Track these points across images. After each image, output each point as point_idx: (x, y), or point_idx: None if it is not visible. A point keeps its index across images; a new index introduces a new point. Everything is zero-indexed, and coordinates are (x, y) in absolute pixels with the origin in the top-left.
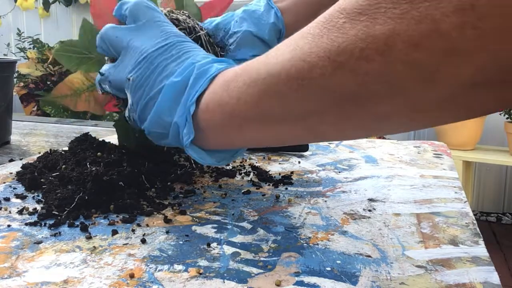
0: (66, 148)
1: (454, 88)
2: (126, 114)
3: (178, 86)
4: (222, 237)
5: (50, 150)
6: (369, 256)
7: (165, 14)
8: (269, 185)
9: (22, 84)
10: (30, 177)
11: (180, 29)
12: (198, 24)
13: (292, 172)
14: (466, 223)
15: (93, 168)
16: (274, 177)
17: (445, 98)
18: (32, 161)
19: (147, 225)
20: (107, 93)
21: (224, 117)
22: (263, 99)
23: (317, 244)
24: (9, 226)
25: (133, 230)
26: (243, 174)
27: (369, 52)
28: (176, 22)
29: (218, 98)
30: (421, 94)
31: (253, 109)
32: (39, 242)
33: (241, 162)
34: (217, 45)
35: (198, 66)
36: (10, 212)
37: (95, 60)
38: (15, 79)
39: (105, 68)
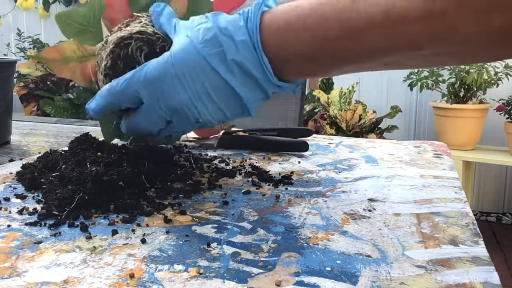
0: (66, 148)
1: None
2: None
3: (246, 41)
4: (222, 237)
5: (50, 150)
6: (369, 256)
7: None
8: (269, 185)
9: (22, 84)
10: (30, 177)
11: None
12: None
13: (292, 172)
14: (466, 223)
15: (93, 168)
16: (274, 177)
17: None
18: (32, 161)
19: (147, 225)
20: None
21: (307, 37)
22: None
23: (317, 244)
24: (9, 226)
25: (133, 230)
26: (243, 174)
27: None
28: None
29: (293, 18)
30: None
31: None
32: (39, 242)
33: (241, 162)
34: None
35: (248, 15)
36: (10, 212)
37: (93, 33)
38: (15, 79)
39: (132, 122)
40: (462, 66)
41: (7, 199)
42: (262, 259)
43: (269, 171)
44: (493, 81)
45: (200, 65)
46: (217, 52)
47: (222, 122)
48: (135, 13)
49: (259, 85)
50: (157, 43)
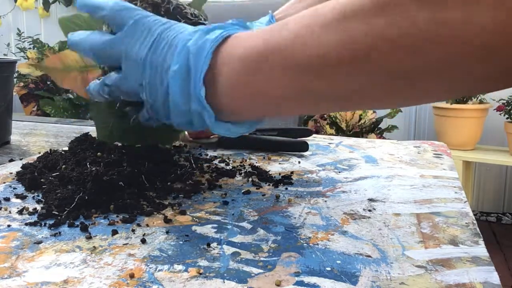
0: (66, 148)
1: (507, 65)
2: (145, 115)
3: (180, 74)
4: (222, 237)
5: (50, 150)
6: (369, 256)
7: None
8: (269, 185)
9: (22, 84)
10: (30, 177)
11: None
12: None
13: (292, 172)
14: (466, 223)
15: (93, 168)
16: (274, 177)
17: (493, 75)
18: (32, 161)
19: (147, 225)
20: (115, 97)
21: (254, 99)
22: (306, 82)
23: (317, 244)
24: (9, 226)
25: (133, 230)
26: (243, 174)
27: (443, 38)
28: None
29: (242, 81)
30: (476, 70)
31: (290, 91)
32: (39, 242)
33: (241, 162)
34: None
35: (191, 46)
36: (10, 212)
37: None
38: (15, 79)
39: (111, 79)
40: None
41: (7, 199)
42: (262, 259)
43: (269, 171)
44: None
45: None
46: (191, 38)
47: (157, 112)
48: None
49: (188, 88)
50: (162, 5)
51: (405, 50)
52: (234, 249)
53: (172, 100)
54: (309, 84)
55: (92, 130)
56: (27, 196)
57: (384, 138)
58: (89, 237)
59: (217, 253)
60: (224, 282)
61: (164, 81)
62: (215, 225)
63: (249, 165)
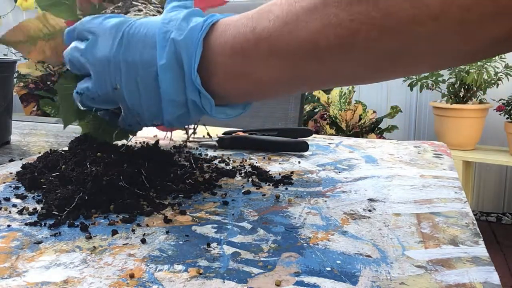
0: (66, 148)
1: (487, 42)
2: (122, 122)
3: (170, 67)
4: (222, 237)
5: (50, 150)
6: (369, 256)
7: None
8: (269, 185)
9: (22, 84)
10: (30, 177)
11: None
12: None
13: (292, 172)
14: (466, 223)
15: (93, 168)
16: (274, 177)
17: (475, 51)
18: (32, 161)
19: (147, 225)
20: (90, 107)
21: (249, 85)
22: (296, 66)
23: (317, 244)
24: (9, 226)
25: (133, 230)
26: (243, 174)
27: (422, 18)
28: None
29: (238, 70)
30: (459, 49)
31: (284, 76)
32: (39, 242)
33: (241, 162)
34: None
35: (176, 37)
36: (10, 212)
37: (67, 6)
38: (15, 79)
39: (82, 86)
40: (462, 66)
41: (7, 199)
42: (262, 259)
43: (269, 171)
44: (493, 81)
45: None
46: (170, 31)
47: (138, 113)
48: None
49: (181, 80)
50: None
51: (390, 32)
52: (234, 249)
53: (165, 93)
54: (299, 69)
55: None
56: (27, 196)
57: (384, 138)
58: (89, 237)
59: (217, 253)
60: (224, 282)
61: (150, 75)
62: (215, 225)
63: (249, 165)
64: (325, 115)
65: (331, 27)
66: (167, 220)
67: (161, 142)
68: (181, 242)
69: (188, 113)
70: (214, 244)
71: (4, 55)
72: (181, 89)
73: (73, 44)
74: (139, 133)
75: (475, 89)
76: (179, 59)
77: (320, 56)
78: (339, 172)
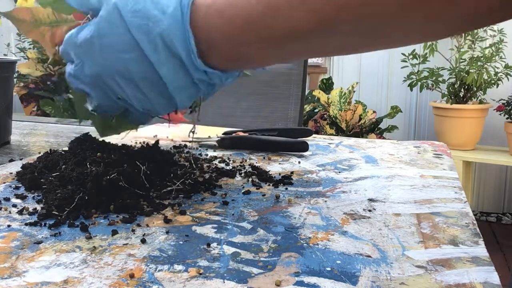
0: (66, 148)
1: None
2: (132, 119)
3: (164, 60)
4: (222, 237)
5: (50, 150)
6: (369, 256)
7: None
8: (269, 185)
9: (22, 84)
10: (30, 177)
11: None
12: None
13: (292, 172)
14: (466, 223)
15: (93, 168)
16: (274, 177)
17: (469, 19)
18: (32, 161)
19: (147, 225)
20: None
21: (244, 62)
22: (284, 49)
23: (317, 244)
24: (9, 226)
25: (133, 230)
26: (243, 174)
27: None
28: None
29: (234, 53)
30: (450, 17)
31: (274, 54)
32: (39, 242)
33: (241, 162)
34: None
35: (158, 29)
36: (10, 212)
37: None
38: (15, 79)
39: (92, 105)
40: (462, 66)
41: (7, 199)
42: (262, 259)
43: (269, 171)
44: (493, 81)
45: (123, 38)
46: (144, 24)
47: (149, 109)
48: None
49: (182, 67)
50: None
51: (370, 12)
52: (234, 249)
53: (170, 83)
54: (286, 50)
55: (92, 130)
56: (27, 196)
57: (384, 138)
58: (89, 237)
59: (217, 253)
60: (224, 282)
61: (147, 78)
62: (215, 225)
63: (249, 165)
64: (325, 115)
65: (313, 11)
66: (167, 220)
67: (161, 142)
68: (181, 242)
69: (198, 88)
70: (214, 244)
71: (4, 55)
72: (184, 73)
73: (67, 67)
74: (139, 133)
75: (475, 89)
76: (171, 49)
77: (305, 39)
78: (339, 172)
